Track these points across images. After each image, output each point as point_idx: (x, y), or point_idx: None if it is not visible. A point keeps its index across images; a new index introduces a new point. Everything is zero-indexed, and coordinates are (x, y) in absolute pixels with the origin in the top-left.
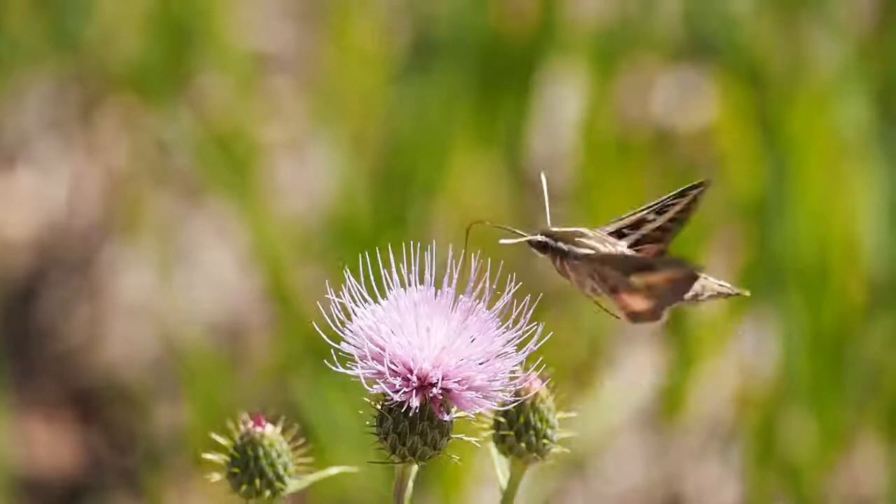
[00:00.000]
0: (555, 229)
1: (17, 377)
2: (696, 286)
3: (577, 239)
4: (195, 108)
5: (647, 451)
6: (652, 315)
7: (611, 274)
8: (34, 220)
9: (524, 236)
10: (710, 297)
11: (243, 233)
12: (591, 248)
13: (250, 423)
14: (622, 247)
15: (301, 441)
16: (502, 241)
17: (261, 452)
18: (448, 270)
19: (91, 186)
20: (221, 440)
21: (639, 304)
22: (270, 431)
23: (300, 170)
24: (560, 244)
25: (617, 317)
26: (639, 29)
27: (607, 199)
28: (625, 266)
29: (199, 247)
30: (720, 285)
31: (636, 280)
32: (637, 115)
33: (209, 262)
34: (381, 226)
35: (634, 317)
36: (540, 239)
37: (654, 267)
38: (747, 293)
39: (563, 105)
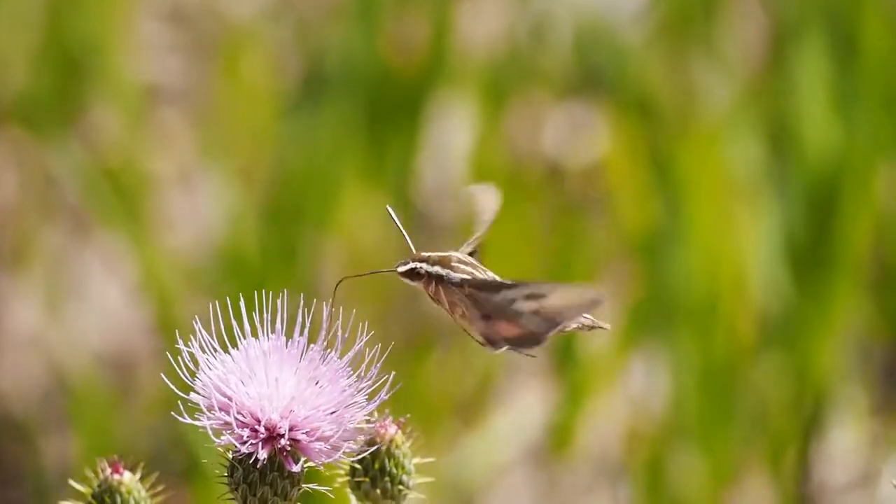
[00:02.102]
0: (428, 254)
1: None
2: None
3: (452, 263)
4: (85, 140)
5: (535, 487)
6: (533, 340)
7: (488, 299)
8: None
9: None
10: (575, 327)
11: (132, 265)
12: (468, 274)
13: (108, 471)
14: (491, 273)
15: (161, 488)
16: (369, 272)
17: (118, 500)
18: (300, 319)
19: None
20: (80, 487)
21: (512, 330)
22: (128, 479)
23: (190, 203)
24: (437, 268)
25: (481, 343)
26: (529, 63)
27: (497, 232)
28: (514, 292)
29: (89, 279)
30: (585, 317)
31: (523, 305)
32: (527, 149)
33: (98, 294)
34: (269, 260)
35: (513, 342)
36: (411, 266)
37: (547, 293)
38: (608, 326)
39: (453, 139)
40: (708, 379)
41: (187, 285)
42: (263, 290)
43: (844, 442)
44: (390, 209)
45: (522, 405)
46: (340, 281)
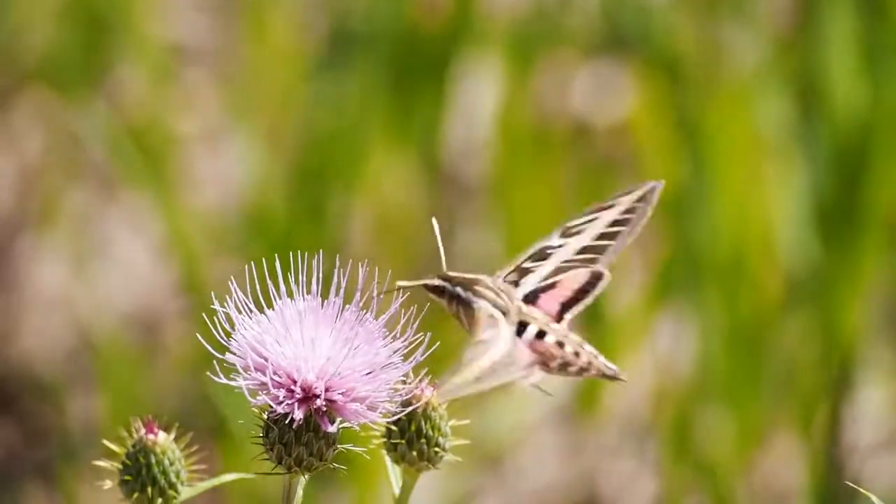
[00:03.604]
0: (453, 274)
1: None
2: (583, 361)
3: (475, 287)
4: (111, 100)
5: (563, 448)
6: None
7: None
8: None
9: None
10: (594, 375)
11: (158, 225)
12: (490, 300)
13: (142, 431)
14: (518, 302)
15: (195, 448)
16: (400, 283)
17: (153, 460)
18: (336, 280)
19: (5, 179)
20: (114, 447)
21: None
22: (163, 439)
23: (216, 163)
24: (458, 289)
25: None
26: (556, 21)
27: (524, 192)
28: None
29: (114, 239)
30: (607, 366)
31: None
32: (554, 108)
33: (124, 254)
34: (296, 220)
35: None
36: (437, 283)
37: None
38: (626, 379)
39: (479, 98)
40: (735, 338)
41: (213, 245)
42: (292, 251)
43: (873, 401)
44: (435, 222)
45: None
46: (394, 288)
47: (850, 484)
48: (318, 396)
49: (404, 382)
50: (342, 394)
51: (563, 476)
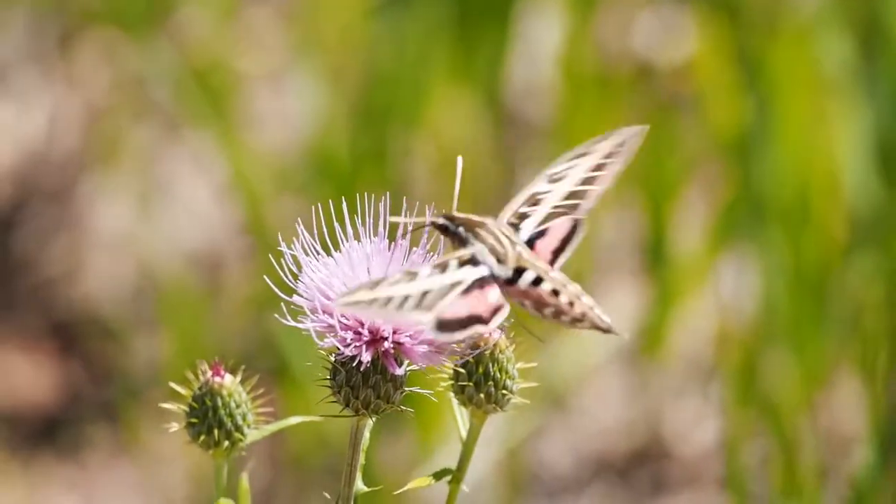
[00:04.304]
0: (457, 214)
1: None
2: (577, 312)
3: (476, 229)
4: (174, 40)
5: (627, 389)
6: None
7: None
8: (13, 152)
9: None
10: (587, 326)
11: (222, 165)
12: (489, 245)
13: (209, 373)
14: (520, 248)
15: (260, 391)
16: (392, 218)
17: (219, 403)
18: (403, 222)
19: (70, 118)
20: (179, 389)
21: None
22: (229, 382)
23: (279, 102)
24: (460, 229)
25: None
26: None
27: (586, 133)
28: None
29: (178, 179)
30: (601, 319)
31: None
32: (617, 49)
33: (187, 194)
34: (359, 159)
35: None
36: (439, 221)
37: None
38: (626, 335)
39: (542, 39)
40: (799, 279)
41: (276, 185)
42: (354, 191)
43: None
44: (459, 160)
45: (613, 306)
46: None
47: None
48: (385, 339)
49: None
50: (410, 336)
51: (627, 417)
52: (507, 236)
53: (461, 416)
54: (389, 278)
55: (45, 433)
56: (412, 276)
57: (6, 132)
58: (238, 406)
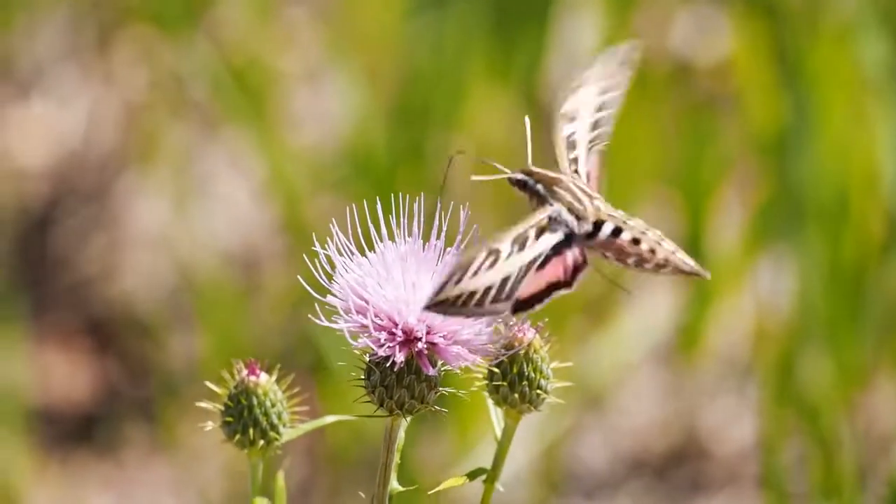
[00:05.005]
0: (535, 169)
1: (33, 307)
2: (660, 257)
3: (554, 187)
4: (212, 38)
5: (663, 387)
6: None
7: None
8: (50, 150)
9: (505, 172)
10: (671, 271)
11: (259, 164)
12: (565, 201)
13: (244, 372)
14: (598, 201)
15: (296, 389)
16: (475, 176)
17: (254, 402)
18: (437, 222)
19: (107, 116)
20: (215, 388)
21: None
22: (264, 380)
23: (316, 101)
24: (539, 186)
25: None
26: None
27: (625, 131)
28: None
29: (215, 177)
30: (684, 262)
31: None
32: (655, 47)
33: (225, 192)
34: (397, 158)
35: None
36: (519, 177)
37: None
38: (708, 275)
39: (580, 37)
40: (837, 279)
41: (313, 184)
42: (393, 191)
43: None
44: (527, 120)
45: (651, 305)
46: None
47: None
48: (419, 339)
49: (505, 325)
50: (443, 336)
51: (663, 416)
52: (583, 190)
53: (496, 416)
54: (473, 262)
55: (83, 431)
56: (494, 256)
57: (44, 130)
58: (273, 405)
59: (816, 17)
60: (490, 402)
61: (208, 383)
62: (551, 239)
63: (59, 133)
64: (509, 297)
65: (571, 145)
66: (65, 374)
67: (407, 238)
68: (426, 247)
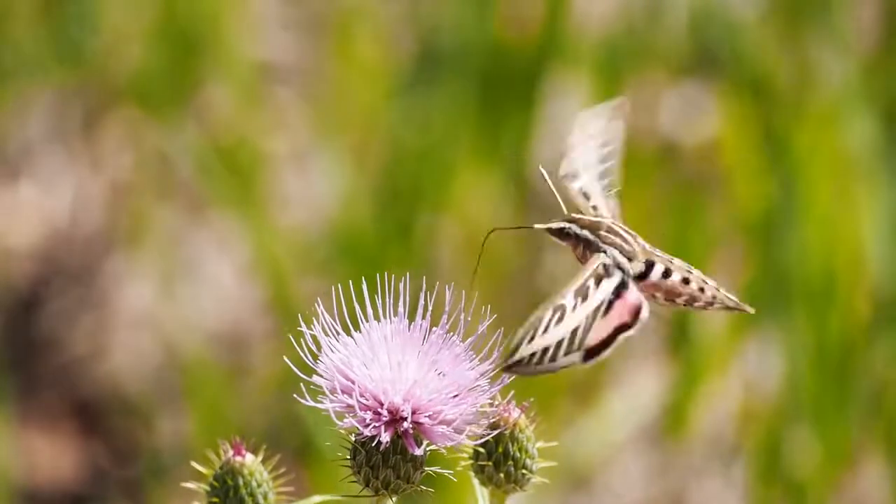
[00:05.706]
0: (579, 216)
1: (19, 387)
2: (708, 295)
3: (600, 232)
4: (199, 119)
5: (650, 467)
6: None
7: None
8: (37, 231)
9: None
10: (718, 308)
11: (246, 244)
12: (616, 245)
13: (230, 452)
14: (642, 241)
15: (283, 469)
16: (537, 225)
17: (240, 482)
18: (422, 302)
19: (94, 198)
20: (201, 468)
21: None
22: (250, 461)
23: (303, 181)
24: (585, 232)
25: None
26: (644, 41)
27: None
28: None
29: (202, 258)
30: (729, 298)
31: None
32: (642, 127)
33: (212, 273)
34: (384, 238)
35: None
36: (563, 226)
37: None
38: (752, 310)
39: (567, 117)
40: (824, 360)
41: (301, 264)
42: (380, 272)
43: None
44: (544, 171)
45: (637, 385)
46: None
47: None
48: (404, 419)
49: (491, 405)
50: (429, 416)
51: (649, 496)
52: (627, 231)
53: (482, 496)
54: (542, 321)
55: None
56: (560, 311)
57: (31, 212)
58: (259, 485)
59: (803, 99)
60: (476, 482)
61: (194, 464)
62: (610, 284)
63: (47, 214)
64: (580, 346)
65: (586, 197)
66: (51, 455)
67: (392, 318)
68: (412, 326)
